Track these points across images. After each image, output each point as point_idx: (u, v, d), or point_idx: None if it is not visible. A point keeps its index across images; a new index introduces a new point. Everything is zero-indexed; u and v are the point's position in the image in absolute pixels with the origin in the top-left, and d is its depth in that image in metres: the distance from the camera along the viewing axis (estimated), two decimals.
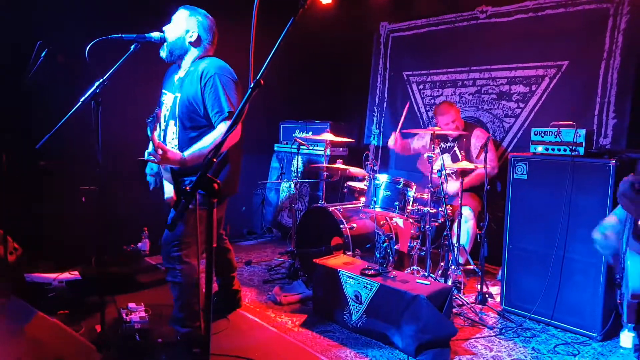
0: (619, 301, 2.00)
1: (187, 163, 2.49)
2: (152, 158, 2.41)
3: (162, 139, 2.76)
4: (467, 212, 3.84)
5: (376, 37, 5.80)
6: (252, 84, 1.47)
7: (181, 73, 2.76)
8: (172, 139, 2.71)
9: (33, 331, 2.16)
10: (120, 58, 2.48)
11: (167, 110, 2.76)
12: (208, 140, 2.54)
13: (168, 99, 2.77)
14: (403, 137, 4.48)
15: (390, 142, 4.27)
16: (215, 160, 1.43)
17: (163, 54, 2.70)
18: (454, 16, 4.99)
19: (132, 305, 3.04)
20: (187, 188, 1.41)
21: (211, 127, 2.64)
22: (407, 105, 4.26)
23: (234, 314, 3.33)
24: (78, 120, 2.46)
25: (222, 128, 2.54)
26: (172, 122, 2.69)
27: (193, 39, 2.69)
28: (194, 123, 2.66)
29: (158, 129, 2.64)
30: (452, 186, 3.98)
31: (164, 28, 2.68)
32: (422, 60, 5.32)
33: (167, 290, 3.74)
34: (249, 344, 2.91)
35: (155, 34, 2.63)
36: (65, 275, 3.66)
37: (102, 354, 2.51)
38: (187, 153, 2.51)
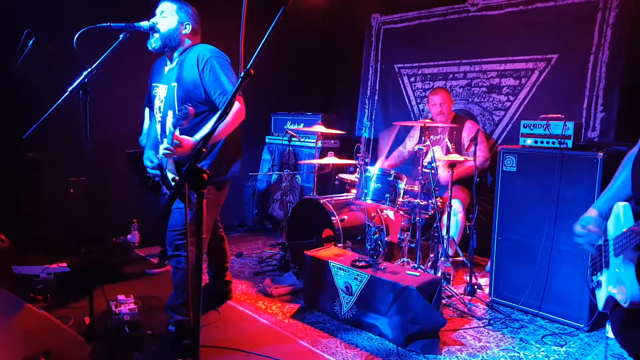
0: (591, 288, 2.04)
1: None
2: (168, 152, 2.42)
3: (161, 131, 2.75)
4: (456, 205, 3.86)
5: (368, 29, 5.78)
6: (242, 74, 1.46)
7: (172, 64, 2.76)
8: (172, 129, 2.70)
9: (21, 323, 2.13)
10: (108, 47, 2.45)
11: (162, 102, 2.76)
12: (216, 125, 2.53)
13: (161, 91, 2.76)
14: (394, 132, 4.48)
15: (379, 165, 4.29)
16: (204, 150, 1.42)
17: (154, 44, 2.68)
18: (445, 9, 4.98)
19: (121, 297, 3.02)
20: (176, 178, 1.40)
21: (211, 112, 2.67)
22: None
23: (225, 306, 3.33)
24: (66, 111, 2.43)
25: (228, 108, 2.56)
26: (170, 113, 2.69)
27: (188, 31, 2.72)
28: (194, 109, 2.66)
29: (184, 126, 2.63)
30: (444, 173, 3.98)
31: (153, 20, 2.66)
32: (414, 53, 5.32)
33: (156, 282, 3.75)
34: (239, 335, 2.91)
35: (144, 23, 2.61)
36: (54, 267, 3.63)
37: (91, 346, 2.50)
38: (198, 136, 2.52)
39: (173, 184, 2.72)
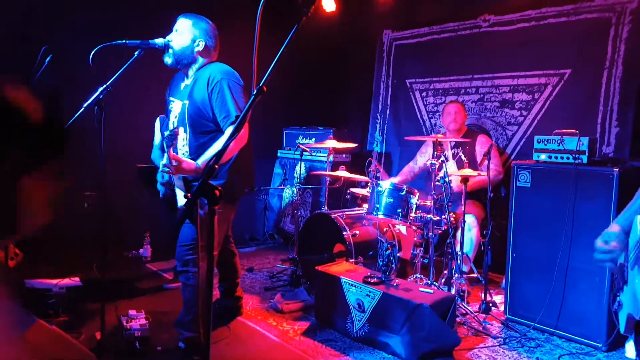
0: (614, 310, 1.95)
1: (202, 171, 2.51)
2: (167, 169, 2.44)
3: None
4: (470, 220, 3.81)
5: (379, 45, 5.81)
6: (255, 91, 1.47)
7: (188, 80, 2.79)
8: (183, 145, 2.73)
9: (32, 338, 2.13)
10: (123, 64, 2.48)
11: (176, 117, 2.78)
12: (219, 146, 2.56)
13: (176, 106, 2.79)
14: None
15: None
16: (217, 167, 1.42)
17: (168, 60, 2.71)
18: (456, 24, 4.99)
19: (132, 312, 3.02)
20: (189, 195, 1.40)
21: (220, 131, 2.68)
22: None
23: (235, 322, 3.30)
24: (81, 126, 2.45)
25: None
26: (181, 129, 2.71)
27: (201, 48, 2.72)
28: (203, 128, 2.69)
29: (176, 145, 2.67)
30: (456, 184, 3.94)
31: (169, 37, 2.69)
32: (425, 68, 5.32)
33: (168, 297, 3.74)
34: (249, 352, 2.88)
35: (159, 41, 2.65)
36: (66, 281, 3.64)
37: None
38: (200, 161, 2.54)
39: (181, 202, 2.73)
